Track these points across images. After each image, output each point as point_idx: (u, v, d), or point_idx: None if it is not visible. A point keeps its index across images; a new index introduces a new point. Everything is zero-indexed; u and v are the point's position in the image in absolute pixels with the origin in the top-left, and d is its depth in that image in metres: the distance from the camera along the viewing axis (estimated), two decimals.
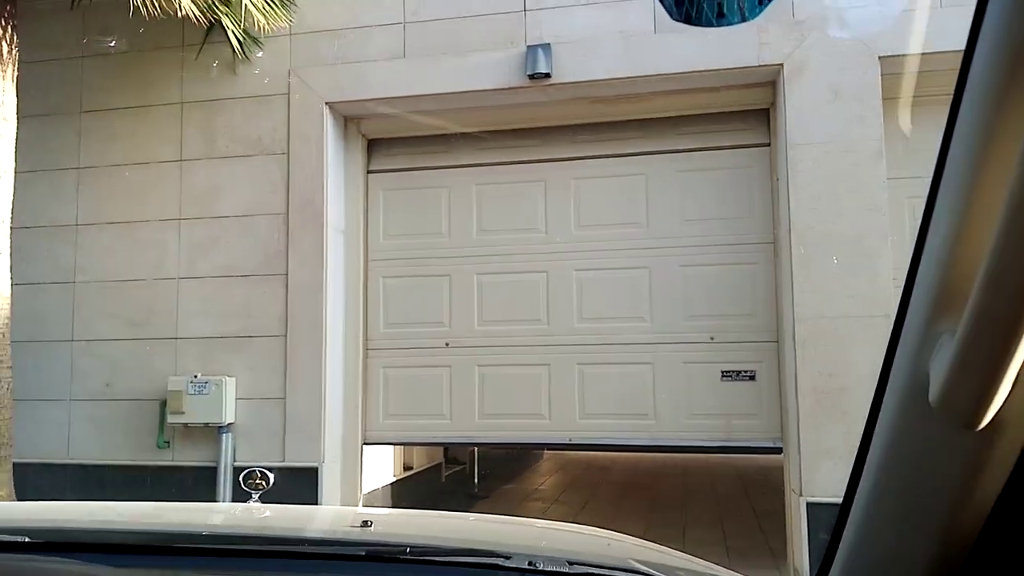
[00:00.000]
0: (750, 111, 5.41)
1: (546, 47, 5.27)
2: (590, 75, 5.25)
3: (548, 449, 8.14)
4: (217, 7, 5.17)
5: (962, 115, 0.59)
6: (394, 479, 6.24)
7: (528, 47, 5.31)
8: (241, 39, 5.46)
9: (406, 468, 6.69)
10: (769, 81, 5.18)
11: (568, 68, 5.26)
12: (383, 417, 5.71)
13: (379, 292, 5.78)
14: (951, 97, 0.59)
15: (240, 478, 4.52)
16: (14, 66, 5.14)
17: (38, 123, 5.90)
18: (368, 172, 5.91)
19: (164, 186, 5.83)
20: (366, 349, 5.75)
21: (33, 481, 5.47)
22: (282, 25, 5.44)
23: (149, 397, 5.56)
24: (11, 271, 5.01)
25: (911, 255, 0.66)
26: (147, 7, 4.69)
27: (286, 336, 5.43)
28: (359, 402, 5.67)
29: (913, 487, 0.72)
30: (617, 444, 5.55)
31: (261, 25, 5.32)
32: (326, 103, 5.61)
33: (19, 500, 4.94)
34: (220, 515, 2.10)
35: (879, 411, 0.73)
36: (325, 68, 5.63)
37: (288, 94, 5.68)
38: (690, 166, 5.41)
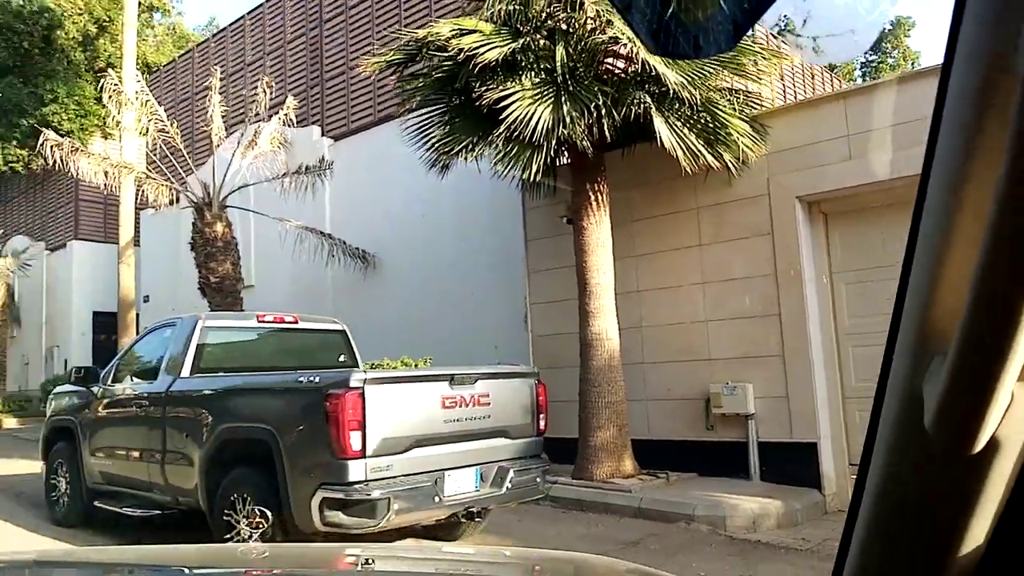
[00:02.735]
0: None
1: None
2: None
3: None
4: (722, 151, 8.19)
5: (943, 132, 0.60)
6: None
7: None
8: (736, 165, 8.39)
9: None
10: None
11: None
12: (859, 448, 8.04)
13: (849, 358, 8.11)
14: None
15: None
16: (608, 205, 8.83)
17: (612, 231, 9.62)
18: (832, 273, 8.32)
19: (690, 262, 9.08)
20: (843, 398, 8.15)
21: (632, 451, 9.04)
22: (762, 152, 8.28)
23: (696, 397, 8.79)
24: (618, 320, 8.67)
25: (899, 275, 0.67)
26: (688, 165, 7.88)
27: (783, 356, 8.19)
28: (843, 438, 8.06)
29: (911, 511, 0.72)
30: None
31: (748, 154, 8.22)
32: (796, 196, 8.29)
33: (639, 464, 8.45)
34: (221, 556, 2.07)
35: (876, 435, 0.73)
36: (794, 173, 8.32)
37: (768, 194, 8.49)
38: None
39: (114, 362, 7.38)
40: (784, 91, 12.38)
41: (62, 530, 7.27)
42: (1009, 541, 0.69)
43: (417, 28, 12.89)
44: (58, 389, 8.40)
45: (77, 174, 12.53)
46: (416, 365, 9.77)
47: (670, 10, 0.59)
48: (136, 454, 6.56)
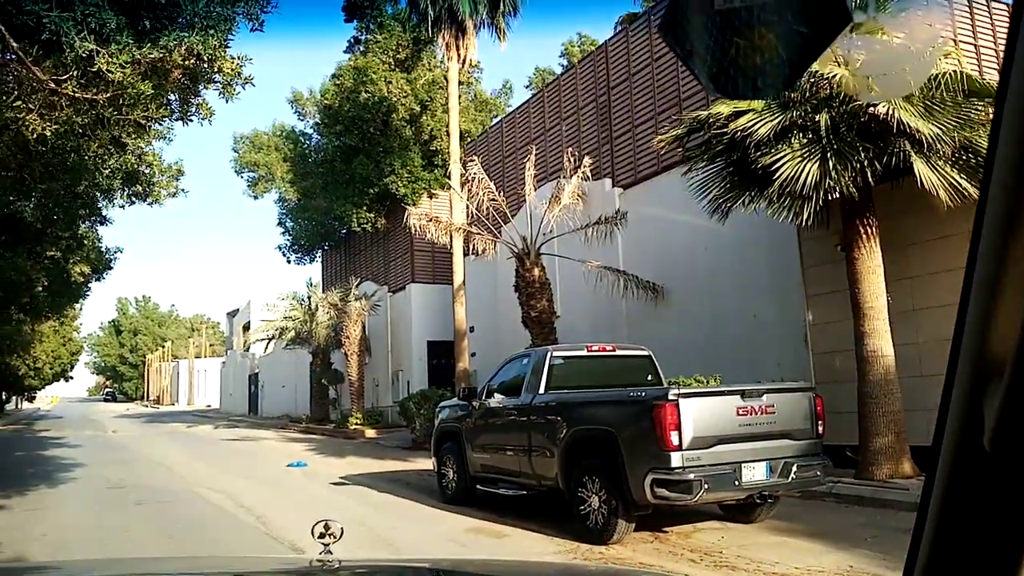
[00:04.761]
0: None
1: None
2: None
3: None
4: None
5: (997, 164, 0.62)
6: None
7: None
8: None
9: None
10: None
11: None
12: None
13: None
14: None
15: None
16: (878, 234, 9.85)
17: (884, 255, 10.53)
18: None
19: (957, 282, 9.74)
20: None
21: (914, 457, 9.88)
22: None
23: None
24: (893, 338, 9.66)
25: (959, 297, 0.71)
26: (949, 199, 8.73)
27: None
28: None
29: (973, 532, 0.72)
30: None
31: None
32: None
33: (918, 468, 9.34)
34: (295, 572, 2.14)
35: (938, 456, 0.74)
36: None
37: None
38: None
39: (485, 384, 10.05)
40: None
41: (452, 507, 10.01)
42: None
43: (691, 87, 14.74)
44: (442, 404, 11.39)
45: (425, 236, 16.05)
46: (708, 382, 11.47)
47: (729, 56, 0.63)
48: (508, 450, 9.07)
